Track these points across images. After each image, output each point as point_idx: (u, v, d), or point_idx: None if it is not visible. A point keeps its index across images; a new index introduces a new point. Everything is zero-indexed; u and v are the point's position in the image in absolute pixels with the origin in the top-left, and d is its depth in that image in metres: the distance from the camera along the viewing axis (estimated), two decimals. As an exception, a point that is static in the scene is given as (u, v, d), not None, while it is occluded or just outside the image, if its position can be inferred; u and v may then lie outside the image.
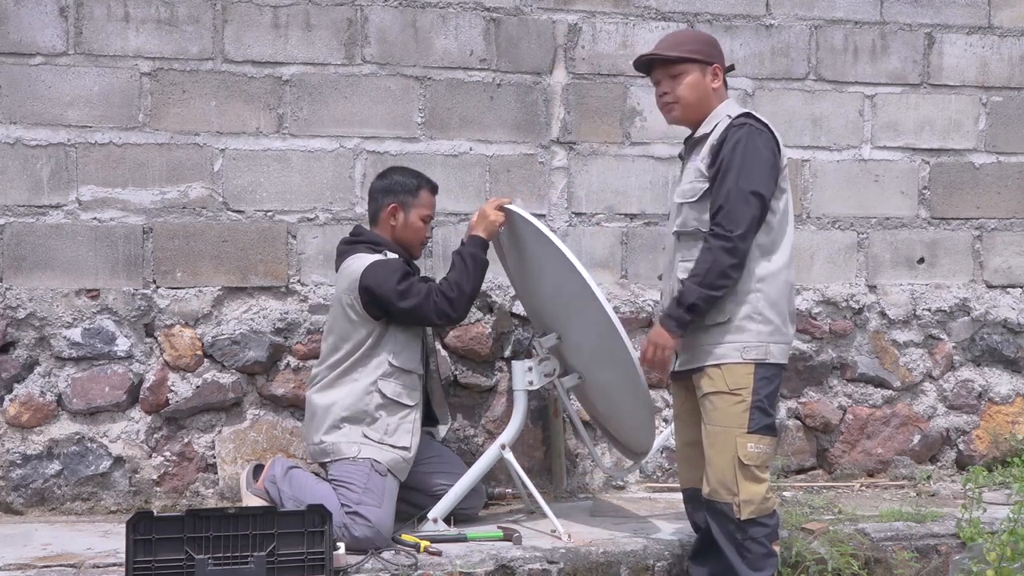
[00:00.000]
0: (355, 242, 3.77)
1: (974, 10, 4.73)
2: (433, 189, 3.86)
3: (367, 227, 3.87)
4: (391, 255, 3.69)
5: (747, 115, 3.22)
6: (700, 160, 3.22)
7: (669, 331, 3.15)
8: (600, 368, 3.71)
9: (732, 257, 3.08)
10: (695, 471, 3.35)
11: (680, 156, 3.47)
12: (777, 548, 3.21)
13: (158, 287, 4.10)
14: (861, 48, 4.64)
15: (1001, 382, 4.74)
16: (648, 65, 3.36)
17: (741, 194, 3.09)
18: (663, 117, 3.39)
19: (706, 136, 3.25)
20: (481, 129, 4.34)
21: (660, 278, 3.63)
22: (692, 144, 3.34)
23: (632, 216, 4.46)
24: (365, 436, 3.58)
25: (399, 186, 3.79)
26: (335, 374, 3.64)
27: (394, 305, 3.57)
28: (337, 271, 3.77)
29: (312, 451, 3.69)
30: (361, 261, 3.63)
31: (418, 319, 3.64)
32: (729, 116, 3.22)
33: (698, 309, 3.11)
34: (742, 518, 3.13)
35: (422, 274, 3.91)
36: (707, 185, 3.18)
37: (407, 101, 4.28)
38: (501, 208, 3.72)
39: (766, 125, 3.20)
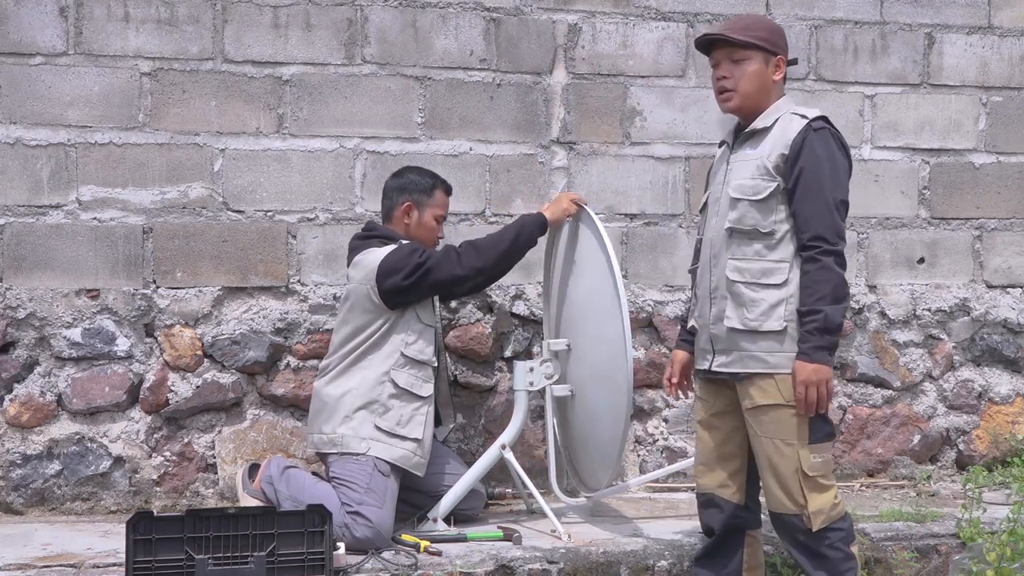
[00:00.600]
0: (368, 236, 3.77)
1: (974, 10, 4.73)
2: (447, 190, 3.87)
3: (378, 223, 3.87)
4: (405, 243, 3.70)
5: (824, 119, 3.10)
6: (766, 157, 3.07)
7: (824, 362, 2.98)
8: (595, 389, 3.69)
9: (844, 268, 3.01)
10: (716, 477, 3.24)
11: (723, 144, 3.29)
12: (855, 550, 3.08)
13: (158, 287, 4.10)
14: (861, 48, 4.64)
15: (1001, 382, 4.73)
16: (708, 45, 3.19)
17: (836, 204, 3.02)
18: (717, 102, 3.22)
19: (766, 130, 3.11)
20: (481, 129, 4.34)
21: (692, 273, 3.40)
22: (746, 136, 3.17)
23: (632, 216, 4.46)
24: (376, 428, 3.56)
25: (414, 185, 3.80)
26: (347, 362, 3.63)
27: (417, 279, 3.56)
28: (349, 265, 3.77)
29: (318, 441, 3.65)
30: (377, 253, 3.63)
31: (444, 280, 3.62)
32: (803, 116, 3.08)
33: (842, 326, 3.03)
34: (814, 529, 3.01)
35: None
36: (774, 185, 3.05)
37: (407, 101, 4.28)
38: (576, 203, 3.80)
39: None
